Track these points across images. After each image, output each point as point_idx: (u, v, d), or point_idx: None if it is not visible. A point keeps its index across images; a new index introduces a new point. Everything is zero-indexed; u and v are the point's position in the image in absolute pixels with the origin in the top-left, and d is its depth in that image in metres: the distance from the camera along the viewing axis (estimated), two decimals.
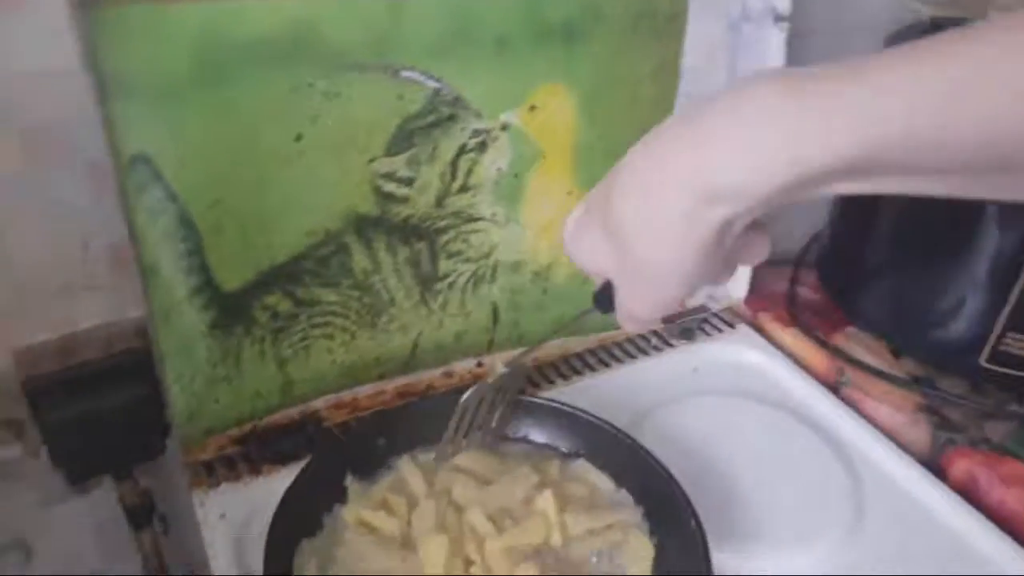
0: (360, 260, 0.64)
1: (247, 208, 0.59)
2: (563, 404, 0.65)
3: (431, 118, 0.63)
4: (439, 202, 0.66)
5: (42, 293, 0.64)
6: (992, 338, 0.73)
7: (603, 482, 0.62)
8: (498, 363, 0.76)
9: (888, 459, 0.73)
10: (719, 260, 0.38)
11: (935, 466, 0.73)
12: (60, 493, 0.71)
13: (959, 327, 0.76)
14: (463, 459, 0.61)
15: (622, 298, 0.43)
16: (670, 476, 0.59)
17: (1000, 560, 0.63)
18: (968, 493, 0.70)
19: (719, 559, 0.58)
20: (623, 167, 0.37)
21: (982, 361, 0.75)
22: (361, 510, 0.58)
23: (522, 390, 0.63)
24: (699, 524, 0.55)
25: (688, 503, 0.57)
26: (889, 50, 0.31)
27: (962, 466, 0.72)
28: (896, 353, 0.83)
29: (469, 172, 0.66)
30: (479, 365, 0.76)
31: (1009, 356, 0.73)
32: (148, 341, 0.61)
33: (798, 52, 0.77)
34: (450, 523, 0.56)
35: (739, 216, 0.35)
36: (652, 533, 0.59)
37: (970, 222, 0.71)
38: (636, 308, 0.42)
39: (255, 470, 0.66)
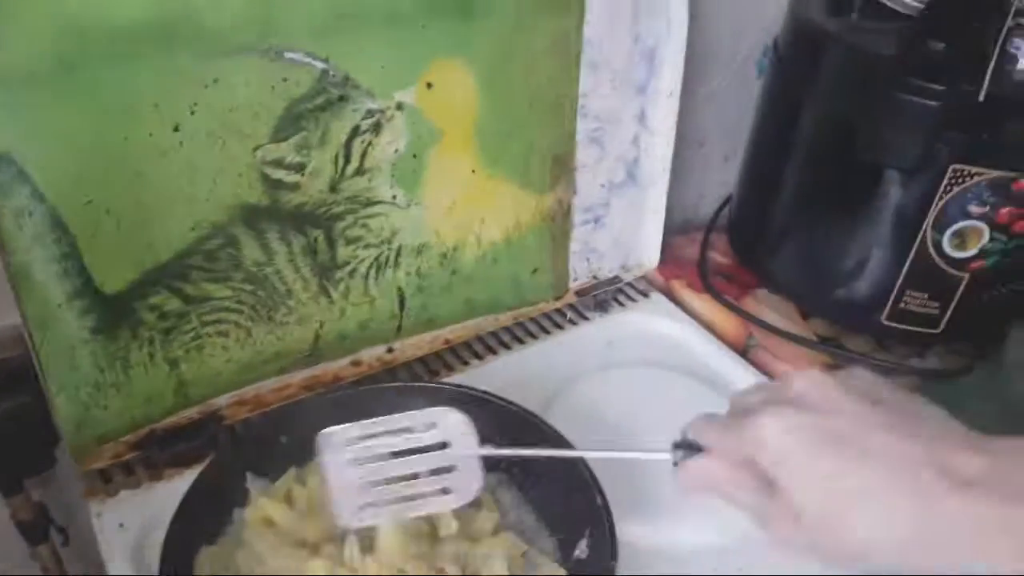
0: (251, 252, 0.62)
1: (124, 206, 0.56)
2: (470, 388, 0.64)
3: (319, 100, 0.60)
4: (333, 187, 0.63)
5: None
6: (892, 296, 0.75)
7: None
8: (408, 348, 0.75)
9: None
10: None
11: None
12: None
13: (862, 286, 0.77)
14: None
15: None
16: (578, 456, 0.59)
17: None
18: None
19: (630, 531, 0.59)
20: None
21: (884, 319, 0.77)
22: (263, 502, 0.57)
23: None
24: (605, 501, 0.56)
25: (594, 481, 0.57)
26: None
27: None
28: (805, 315, 0.84)
29: (364, 155, 0.63)
30: (389, 351, 0.74)
31: (908, 314, 0.76)
32: (28, 349, 0.57)
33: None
34: None
35: None
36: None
37: (872, 183, 0.73)
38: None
39: (155, 475, 0.64)
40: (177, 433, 0.64)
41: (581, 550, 0.56)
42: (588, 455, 0.57)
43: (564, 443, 0.60)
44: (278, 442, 0.61)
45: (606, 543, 0.53)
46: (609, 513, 0.55)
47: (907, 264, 0.73)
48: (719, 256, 0.93)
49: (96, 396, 0.59)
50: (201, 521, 0.56)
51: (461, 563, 0.54)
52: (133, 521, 0.61)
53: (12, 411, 0.60)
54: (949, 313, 0.75)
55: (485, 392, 0.65)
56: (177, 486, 0.61)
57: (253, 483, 0.60)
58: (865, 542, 0.35)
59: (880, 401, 0.39)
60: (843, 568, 0.37)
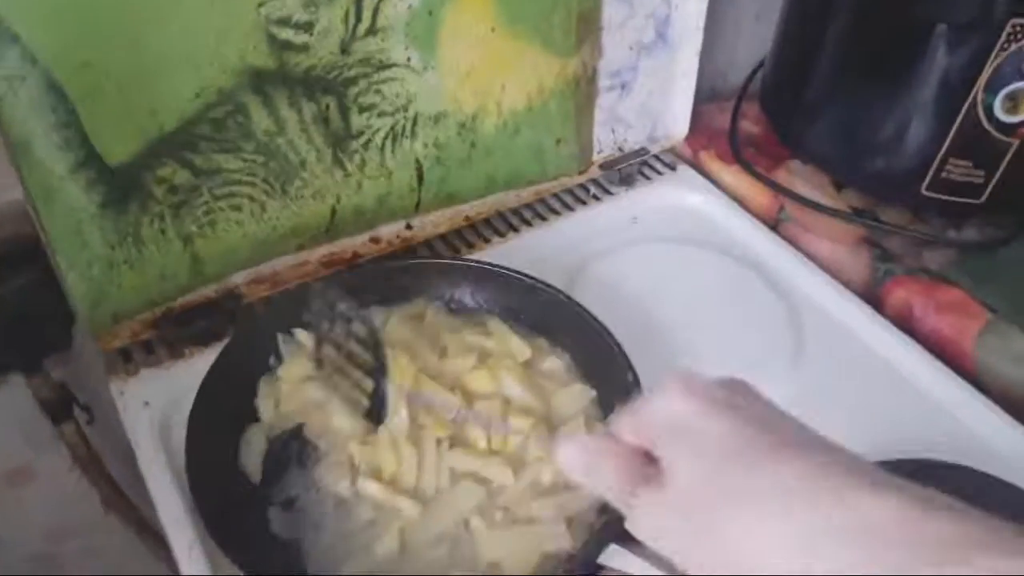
0: (261, 120, 0.58)
1: (124, 68, 0.52)
2: (494, 265, 0.62)
3: None
4: (344, 48, 0.59)
5: None
6: (934, 164, 0.71)
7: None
8: (428, 225, 0.73)
9: (826, 293, 0.72)
10: None
11: (874, 297, 0.73)
12: None
13: (902, 154, 0.73)
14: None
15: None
16: (604, 329, 0.57)
17: (932, 386, 0.64)
18: (904, 322, 0.70)
19: None
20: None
21: (924, 189, 0.73)
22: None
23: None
24: (635, 375, 0.54)
25: (623, 354, 0.56)
26: None
27: (899, 295, 0.72)
28: (838, 186, 0.81)
29: (376, 12, 0.59)
30: (408, 228, 0.72)
31: (950, 183, 0.72)
32: (36, 226, 0.55)
33: None
34: None
35: None
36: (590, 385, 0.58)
37: (918, 44, 0.67)
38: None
39: (176, 353, 0.63)
40: (195, 311, 0.63)
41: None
42: None
43: (590, 318, 0.58)
44: (300, 320, 0.60)
45: None
46: (640, 388, 0.54)
47: (954, 129, 0.69)
48: (749, 125, 0.88)
49: (109, 273, 0.57)
50: (226, 396, 0.55)
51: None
52: (157, 399, 0.60)
53: (23, 290, 0.59)
54: (994, 182, 0.71)
55: (509, 269, 0.63)
56: (198, 364, 0.60)
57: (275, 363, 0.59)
58: (741, 543, 0.29)
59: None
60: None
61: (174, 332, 0.62)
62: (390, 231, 0.71)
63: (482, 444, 0.52)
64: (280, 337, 0.58)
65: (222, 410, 0.55)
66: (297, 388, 0.56)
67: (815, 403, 0.61)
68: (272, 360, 0.58)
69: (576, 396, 0.55)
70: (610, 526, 0.47)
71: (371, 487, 0.50)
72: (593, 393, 0.56)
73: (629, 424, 0.34)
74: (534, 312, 0.62)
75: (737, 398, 0.33)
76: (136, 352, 0.63)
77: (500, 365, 0.55)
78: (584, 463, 0.34)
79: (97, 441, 0.73)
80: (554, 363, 0.58)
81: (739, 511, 0.29)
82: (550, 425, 0.53)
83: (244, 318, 0.62)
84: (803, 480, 0.29)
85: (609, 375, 0.56)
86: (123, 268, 0.58)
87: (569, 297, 0.60)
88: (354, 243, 0.69)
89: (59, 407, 0.67)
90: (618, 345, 0.56)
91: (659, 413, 0.33)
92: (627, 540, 0.45)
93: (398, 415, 0.52)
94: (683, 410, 0.32)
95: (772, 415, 0.33)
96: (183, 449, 0.53)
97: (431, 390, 0.52)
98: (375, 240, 0.70)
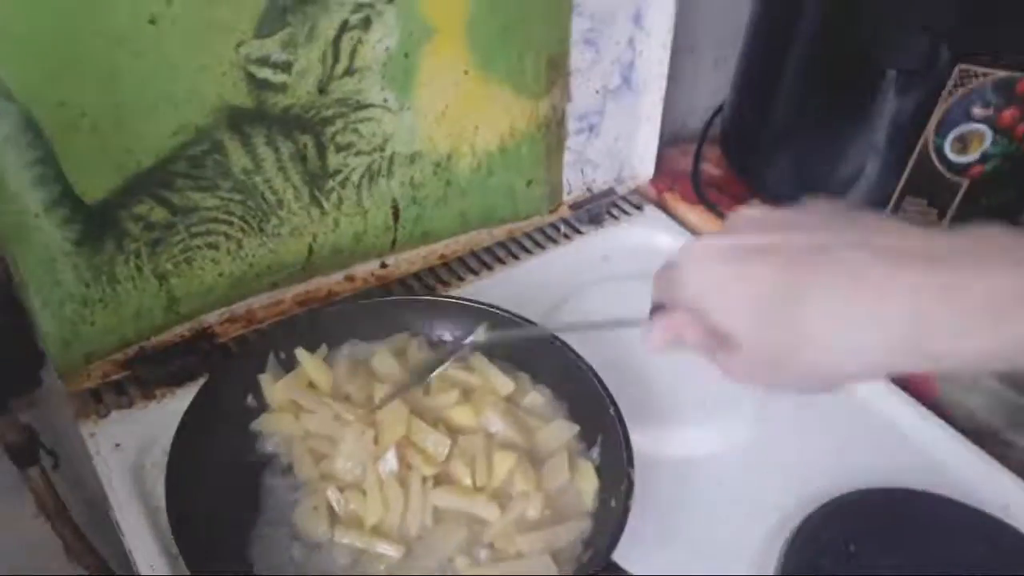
0: (238, 159, 0.58)
1: (101, 107, 0.52)
2: (476, 302, 0.63)
3: None
4: (322, 88, 0.60)
5: None
6: (891, 204, 0.74)
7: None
8: (402, 263, 0.73)
9: None
10: None
11: None
12: None
13: (859, 193, 0.76)
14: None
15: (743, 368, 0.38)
16: (585, 364, 0.58)
17: (896, 415, 0.65)
18: None
19: (638, 442, 0.58)
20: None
21: None
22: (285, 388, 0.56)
23: None
24: (617, 409, 0.55)
25: (605, 389, 0.56)
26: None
27: None
28: None
29: (353, 53, 0.60)
30: (383, 266, 0.72)
31: (907, 221, 0.75)
32: (7, 264, 0.54)
33: None
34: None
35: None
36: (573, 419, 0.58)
37: (870, 88, 0.71)
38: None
39: (148, 394, 0.62)
40: (168, 351, 0.62)
41: (594, 456, 0.56)
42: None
43: (572, 355, 0.59)
44: (279, 358, 0.59)
45: (620, 450, 0.53)
46: (623, 423, 0.54)
47: (908, 170, 0.72)
48: (711, 167, 0.91)
49: (82, 312, 0.56)
50: (204, 441, 0.54)
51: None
52: (129, 441, 0.59)
53: None
54: (947, 220, 0.74)
55: (491, 304, 0.63)
56: (171, 405, 0.59)
57: (252, 401, 0.58)
58: (801, 348, 0.34)
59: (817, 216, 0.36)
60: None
61: (147, 372, 0.61)
62: (365, 269, 0.71)
63: (467, 481, 0.51)
64: (261, 379, 0.57)
65: (202, 453, 0.53)
66: (277, 429, 0.55)
67: (783, 434, 0.64)
68: (250, 399, 0.57)
69: (559, 431, 0.55)
70: (596, 558, 0.47)
71: (347, 535, 0.50)
72: (576, 428, 0.56)
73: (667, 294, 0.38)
74: (515, 348, 0.62)
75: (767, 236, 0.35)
76: (106, 393, 0.62)
77: (483, 400, 0.55)
78: (667, 339, 0.39)
79: (62, 486, 0.71)
80: (535, 398, 0.58)
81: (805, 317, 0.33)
82: (534, 459, 0.53)
83: (220, 359, 0.61)
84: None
85: (591, 409, 0.56)
86: (97, 306, 0.57)
87: (551, 333, 0.61)
88: (329, 282, 0.69)
89: (25, 451, 0.65)
90: (599, 379, 0.57)
91: (693, 281, 0.37)
92: (613, 571, 0.46)
93: (387, 461, 0.51)
94: (720, 271, 0.36)
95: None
96: (157, 491, 0.51)
97: (422, 433, 0.52)
98: (350, 278, 0.70)
